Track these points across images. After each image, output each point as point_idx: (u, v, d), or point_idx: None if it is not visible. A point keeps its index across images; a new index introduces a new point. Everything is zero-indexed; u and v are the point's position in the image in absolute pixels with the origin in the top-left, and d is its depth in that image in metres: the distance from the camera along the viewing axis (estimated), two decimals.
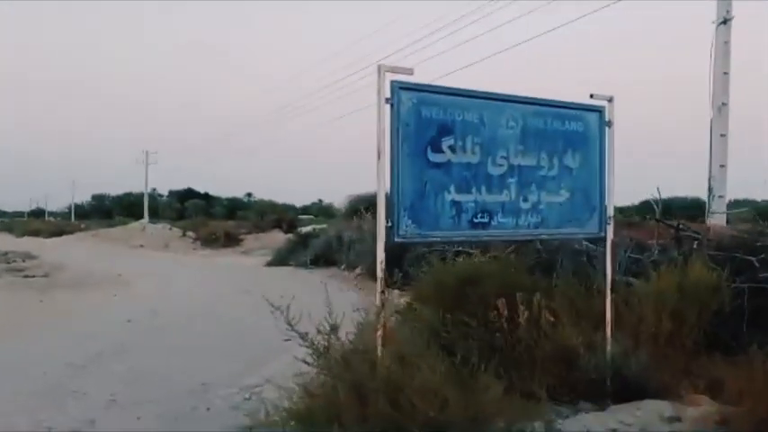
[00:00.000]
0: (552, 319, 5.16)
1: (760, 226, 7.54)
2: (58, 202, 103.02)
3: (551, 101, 5.06)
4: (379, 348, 4.12)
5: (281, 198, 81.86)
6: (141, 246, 33.83)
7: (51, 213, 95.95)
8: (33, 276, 19.33)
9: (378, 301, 4.31)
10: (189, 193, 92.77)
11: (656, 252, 7.09)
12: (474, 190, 4.65)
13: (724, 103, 12.03)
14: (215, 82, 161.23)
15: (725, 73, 12.08)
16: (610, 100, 5.28)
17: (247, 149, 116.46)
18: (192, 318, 11.00)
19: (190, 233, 35.61)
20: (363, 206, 25.60)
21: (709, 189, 11.54)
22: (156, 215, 61.84)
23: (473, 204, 4.65)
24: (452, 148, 4.55)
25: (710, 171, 11.95)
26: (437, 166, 4.50)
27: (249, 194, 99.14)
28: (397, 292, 13.25)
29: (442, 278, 6.76)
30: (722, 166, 11.98)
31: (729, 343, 5.60)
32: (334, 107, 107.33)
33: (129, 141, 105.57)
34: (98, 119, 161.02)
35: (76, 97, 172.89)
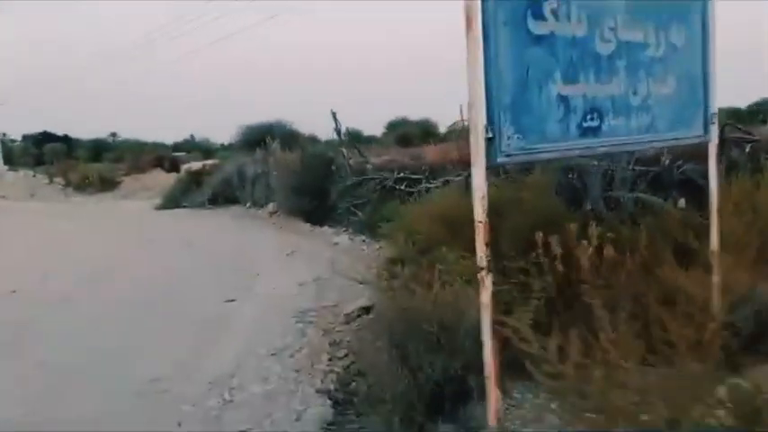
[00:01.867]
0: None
1: None
2: None
3: None
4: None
5: (148, 137, 75.96)
6: (2, 197, 29.40)
7: None
8: None
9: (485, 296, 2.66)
10: (46, 137, 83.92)
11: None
12: (582, 77, 3.07)
13: None
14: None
15: None
16: None
17: (107, 86, 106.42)
18: (96, 281, 8.74)
19: (58, 179, 31.39)
20: (258, 137, 23.47)
21: None
22: (10, 162, 55.08)
23: (581, 100, 3.08)
24: (555, 14, 2.90)
25: None
26: (539, 41, 2.87)
27: (114, 134, 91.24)
28: (345, 234, 11.75)
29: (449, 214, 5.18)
30: None
31: None
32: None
33: None
34: None
35: None
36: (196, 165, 23.65)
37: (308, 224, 12.93)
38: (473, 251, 2.74)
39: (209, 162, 24.24)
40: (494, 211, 4.61)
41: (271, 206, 15.81)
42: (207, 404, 4.16)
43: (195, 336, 5.76)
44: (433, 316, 3.56)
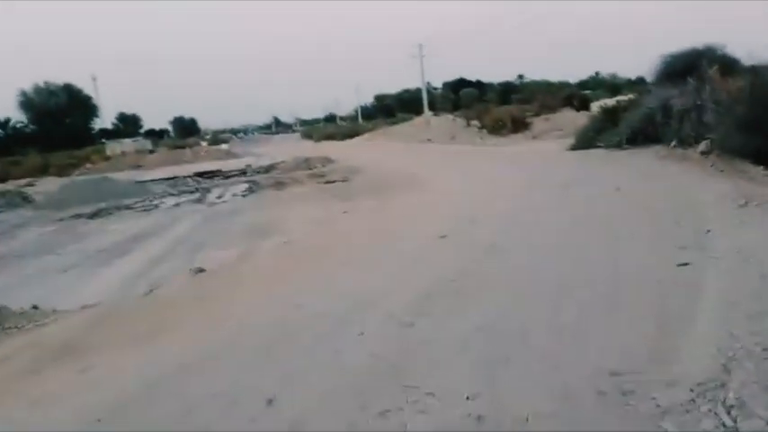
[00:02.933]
0: None
1: None
2: (346, 106, 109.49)
3: None
4: None
5: (553, 77, 75.92)
6: (428, 140, 32.53)
7: (342, 118, 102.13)
8: (333, 182, 18.71)
9: None
10: (462, 83, 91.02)
11: None
12: None
13: None
14: None
15: None
16: None
17: (513, 33, 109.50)
18: (520, 228, 8.38)
19: (474, 122, 33.29)
20: (682, 68, 20.64)
21: None
22: (432, 108, 60.97)
23: None
24: None
25: None
26: None
27: (521, 76, 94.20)
28: None
29: None
30: None
31: None
32: None
33: (403, 37, 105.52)
34: (374, 19, 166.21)
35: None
36: (609, 101, 22.00)
37: (760, 167, 10.53)
38: None
39: (624, 98, 22.36)
40: None
41: (703, 145, 13.55)
42: None
43: (659, 296, 4.73)
44: None
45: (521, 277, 5.84)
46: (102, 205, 18.43)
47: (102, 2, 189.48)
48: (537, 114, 31.08)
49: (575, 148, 19.48)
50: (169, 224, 13.26)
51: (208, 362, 4.35)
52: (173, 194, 20.41)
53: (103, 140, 60.83)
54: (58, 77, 71.03)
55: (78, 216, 16.61)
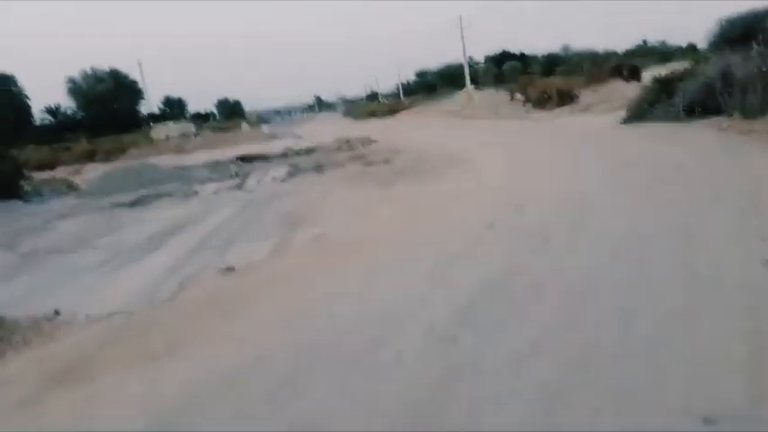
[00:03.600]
0: None
1: None
2: (388, 83, 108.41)
3: None
4: None
5: (599, 46, 73.22)
6: (471, 116, 31.55)
7: (384, 95, 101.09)
8: (374, 164, 18.09)
9: None
10: (504, 56, 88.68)
11: None
12: None
13: None
14: None
15: None
16: None
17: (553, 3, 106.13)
18: (574, 218, 7.62)
19: (518, 95, 32.11)
20: (743, 32, 19.33)
21: None
22: (475, 82, 59.54)
23: None
24: None
25: None
26: None
27: (566, 47, 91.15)
28: None
29: None
30: None
31: None
32: None
33: (443, 10, 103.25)
34: None
35: None
36: (663, 71, 20.68)
37: None
38: None
39: (679, 66, 21.02)
40: None
41: None
42: None
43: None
44: None
45: (578, 281, 5.13)
46: (143, 192, 18.23)
47: None
48: (585, 86, 29.71)
49: (627, 121, 18.40)
50: (206, 213, 12.87)
51: (210, 400, 3.79)
52: (213, 180, 20.11)
53: (151, 124, 61.67)
54: (105, 63, 72.07)
55: (119, 204, 16.43)
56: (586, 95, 28.72)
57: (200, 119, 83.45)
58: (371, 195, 11.92)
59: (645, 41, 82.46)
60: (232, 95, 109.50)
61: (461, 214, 8.80)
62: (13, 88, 62.73)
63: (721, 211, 6.79)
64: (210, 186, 18.46)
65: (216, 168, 23.54)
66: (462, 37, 53.55)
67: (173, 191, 18.01)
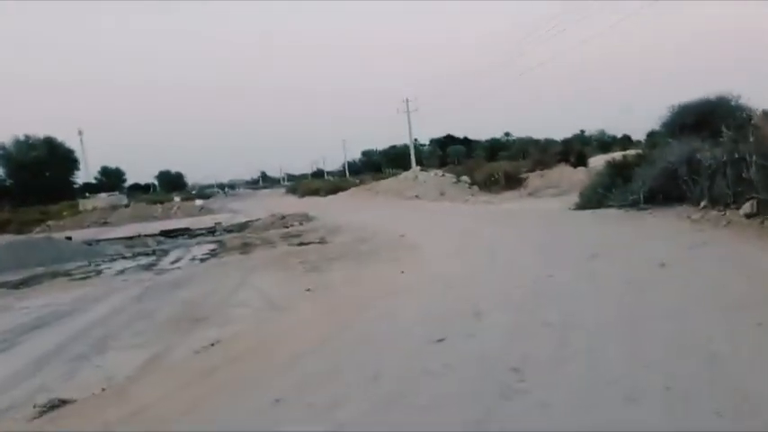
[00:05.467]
0: None
1: None
2: (334, 161, 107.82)
3: None
4: None
5: (538, 134, 74.73)
6: (416, 196, 30.02)
7: (329, 173, 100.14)
8: (309, 243, 16.01)
9: None
10: (449, 140, 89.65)
11: None
12: None
13: None
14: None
15: None
16: None
17: (493, 91, 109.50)
18: (548, 333, 5.64)
19: (464, 178, 30.91)
20: (696, 119, 18.53)
21: None
22: (420, 164, 59.04)
23: None
24: None
25: None
26: None
27: (507, 134, 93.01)
28: None
29: None
30: None
31: None
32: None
33: (390, 94, 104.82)
34: (361, 76, 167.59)
35: (342, 57, 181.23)
36: (616, 156, 19.63)
37: None
38: None
39: (631, 152, 20.05)
40: None
41: (747, 206, 11.06)
42: None
43: None
44: None
45: None
46: (40, 271, 15.56)
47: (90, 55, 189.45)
48: (531, 170, 28.77)
49: (582, 207, 16.99)
50: (95, 300, 10.40)
51: None
52: (125, 257, 17.56)
53: (87, 194, 58.15)
54: (43, 132, 68.54)
55: (3, 285, 13.72)
56: (534, 180, 27.70)
57: (140, 190, 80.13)
58: (296, 283, 9.79)
59: (583, 131, 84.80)
60: (176, 168, 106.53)
61: (403, 317, 6.75)
62: None
63: (725, 324, 4.95)
64: (119, 264, 15.95)
65: (134, 244, 20.97)
66: (408, 118, 53.16)
67: (73, 270, 15.41)
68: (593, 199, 16.89)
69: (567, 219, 15.46)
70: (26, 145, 65.43)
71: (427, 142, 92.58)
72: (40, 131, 67.30)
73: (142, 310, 9.01)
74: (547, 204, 20.20)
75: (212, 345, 6.37)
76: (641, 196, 14.70)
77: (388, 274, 9.75)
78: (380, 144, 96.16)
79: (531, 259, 9.67)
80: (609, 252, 9.44)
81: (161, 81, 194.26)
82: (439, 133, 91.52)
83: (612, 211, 15.22)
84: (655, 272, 7.67)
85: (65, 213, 39.93)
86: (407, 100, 52.75)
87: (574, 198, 18.12)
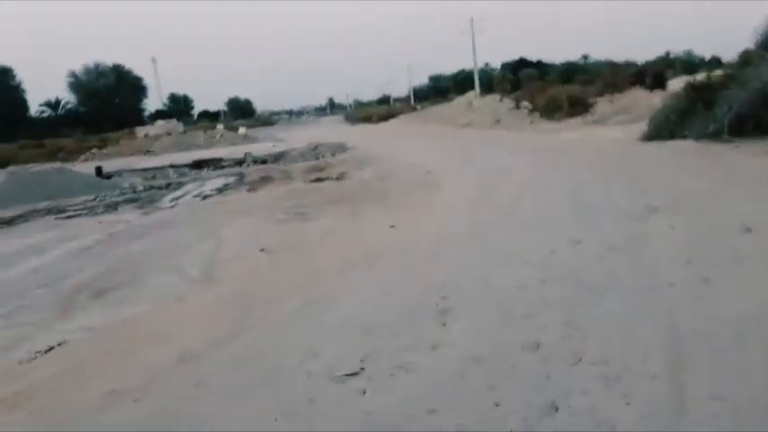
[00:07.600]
0: None
1: None
2: (402, 88, 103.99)
3: None
4: None
5: (619, 56, 68.34)
6: (468, 124, 27.13)
7: (396, 99, 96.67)
8: (325, 179, 13.93)
9: None
10: (521, 64, 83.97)
11: None
12: None
13: None
14: None
15: None
16: None
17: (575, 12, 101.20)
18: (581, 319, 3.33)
19: (524, 103, 27.59)
20: None
21: None
22: (490, 89, 55.09)
23: None
24: None
25: None
26: None
27: (585, 56, 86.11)
28: None
29: None
30: None
31: None
32: None
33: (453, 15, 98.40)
34: None
35: None
36: (699, 77, 16.12)
37: None
38: None
39: (718, 73, 16.42)
40: None
41: None
42: None
43: None
44: None
45: None
46: (40, 206, 14.31)
47: None
48: (601, 95, 25.17)
49: (650, 137, 13.96)
50: (39, 251, 8.75)
51: None
52: (134, 191, 16.08)
53: (156, 121, 57.90)
54: (117, 61, 68.38)
55: None
56: (603, 104, 24.22)
57: (210, 117, 79.66)
58: (266, 236, 7.74)
59: (668, 53, 77.16)
60: (248, 95, 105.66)
61: (338, 309, 4.55)
62: (10, 82, 59.38)
63: None
64: (121, 199, 14.44)
65: (155, 175, 19.53)
66: (473, 40, 49.11)
67: (72, 206, 14.00)
68: (666, 128, 13.79)
69: (628, 153, 12.55)
70: (96, 72, 65.52)
71: (498, 66, 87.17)
72: (110, 59, 67.38)
73: (61, 271, 7.18)
74: (612, 133, 17.14)
75: (59, 345, 4.42)
76: (725, 125, 11.61)
77: (375, 228, 7.52)
78: (450, 68, 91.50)
79: (561, 212, 7.15)
80: (672, 205, 6.78)
81: (233, 7, 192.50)
82: (512, 57, 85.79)
83: (688, 144, 12.22)
84: (735, 242, 5.08)
85: (123, 140, 39.29)
86: (472, 20, 48.54)
87: (644, 126, 15.02)
